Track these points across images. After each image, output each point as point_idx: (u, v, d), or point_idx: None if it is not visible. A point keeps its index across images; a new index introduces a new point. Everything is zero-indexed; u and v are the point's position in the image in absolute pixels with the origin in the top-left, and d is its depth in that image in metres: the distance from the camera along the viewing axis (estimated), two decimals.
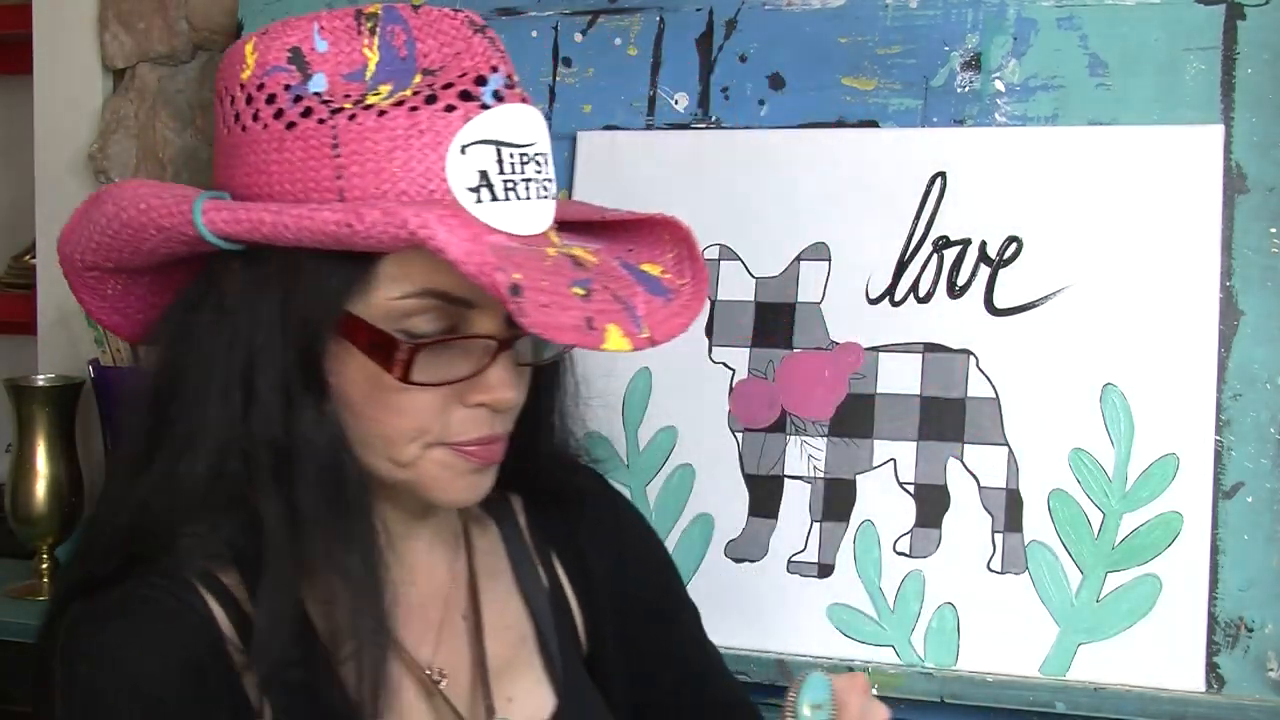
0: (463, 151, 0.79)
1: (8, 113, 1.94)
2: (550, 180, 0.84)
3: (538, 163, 0.82)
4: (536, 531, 1.00)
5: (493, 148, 0.80)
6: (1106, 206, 1.21)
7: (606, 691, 0.99)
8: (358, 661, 0.81)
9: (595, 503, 1.03)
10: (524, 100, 0.83)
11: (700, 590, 1.26)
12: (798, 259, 1.29)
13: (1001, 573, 1.20)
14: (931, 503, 1.22)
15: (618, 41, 1.39)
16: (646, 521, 1.08)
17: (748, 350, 1.29)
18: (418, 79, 0.82)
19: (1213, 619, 1.15)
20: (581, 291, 0.77)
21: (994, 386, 1.22)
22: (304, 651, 0.82)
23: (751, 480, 1.27)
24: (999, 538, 1.20)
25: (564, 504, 1.00)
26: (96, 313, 0.93)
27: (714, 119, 1.35)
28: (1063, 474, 1.19)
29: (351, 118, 0.80)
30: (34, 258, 1.76)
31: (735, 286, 1.30)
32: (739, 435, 1.28)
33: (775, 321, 1.29)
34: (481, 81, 0.81)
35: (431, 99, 0.80)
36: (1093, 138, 1.23)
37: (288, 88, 0.82)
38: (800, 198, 1.30)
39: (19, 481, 1.57)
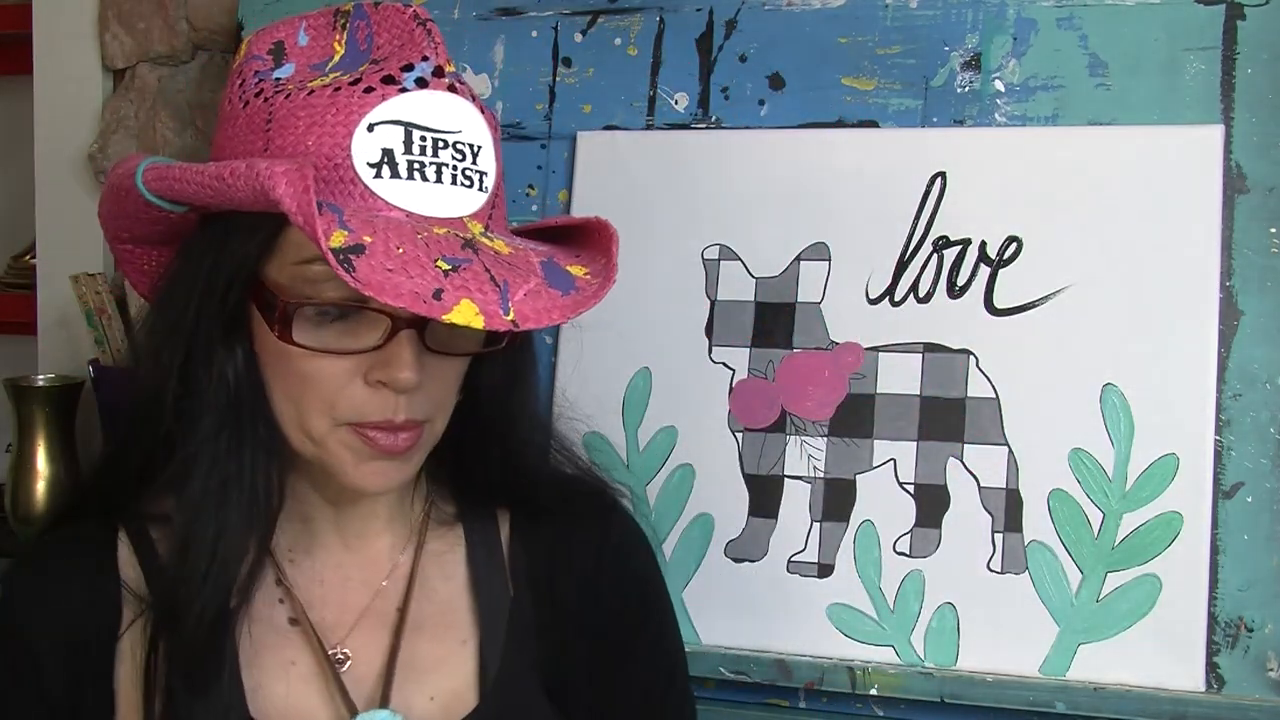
0: (370, 129, 0.83)
1: (8, 113, 1.94)
2: (480, 172, 0.87)
3: (460, 150, 0.85)
4: (518, 546, 1.01)
5: (402, 129, 0.84)
6: (1106, 206, 1.21)
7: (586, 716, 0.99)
8: (191, 606, 0.87)
9: (583, 519, 1.02)
10: (453, 90, 0.86)
11: (700, 590, 1.27)
12: (798, 259, 1.29)
13: (1001, 573, 1.20)
14: (931, 503, 1.22)
15: (618, 41, 1.39)
16: (650, 560, 1.06)
17: (748, 350, 1.29)
18: (364, 67, 0.87)
19: (1212, 619, 1.15)
20: (447, 266, 0.79)
21: (994, 386, 1.22)
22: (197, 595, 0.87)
23: (751, 480, 1.27)
24: (999, 538, 1.20)
25: (550, 518, 1.01)
26: (139, 286, 1.01)
27: (714, 119, 1.35)
28: (1063, 474, 1.19)
29: (287, 97, 0.86)
30: (34, 258, 1.76)
31: (735, 286, 1.30)
32: (739, 435, 1.28)
33: (775, 321, 1.29)
34: (408, 68, 0.85)
35: (356, 82, 0.85)
36: (1093, 138, 1.23)
37: (257, 74, 0.90)
38: (800, 198, 1.30)
39: (19, 481, 1.57)
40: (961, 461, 1.22)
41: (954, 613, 1.20)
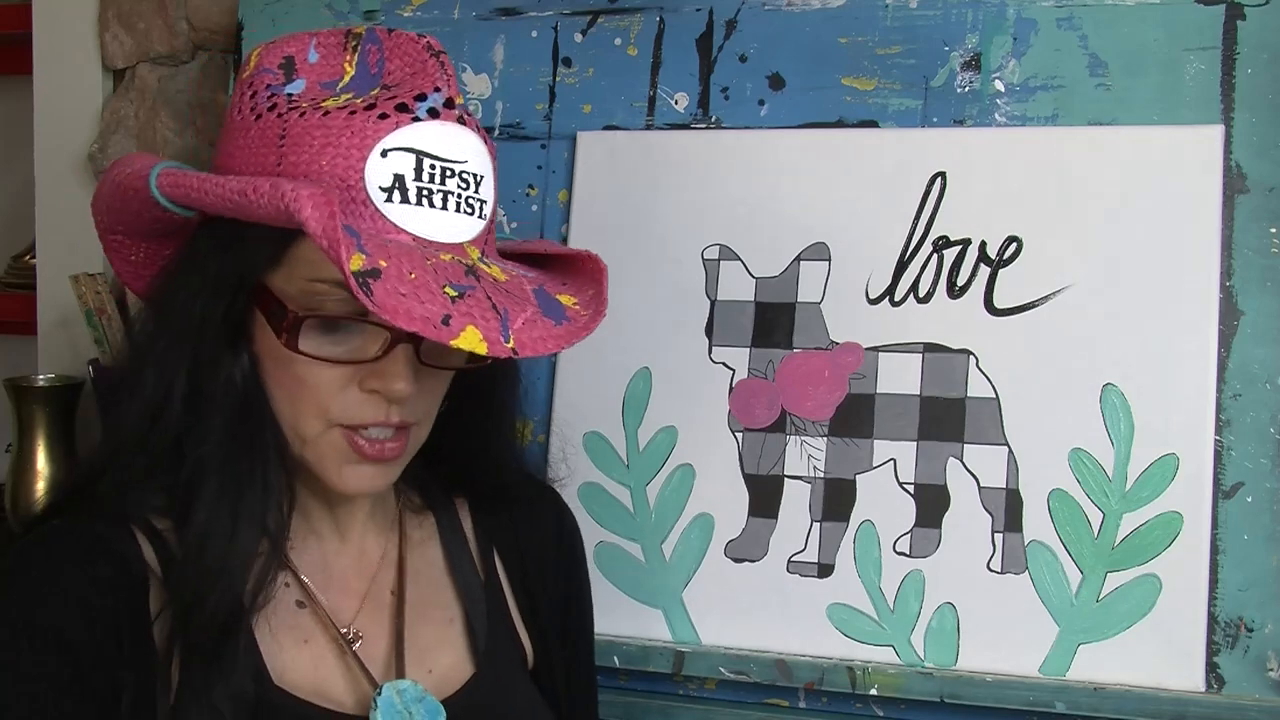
0: (384, 155, 0.87)
1: (8, 113, 1.94)
2: (481, 201, 0.92)
3: (465, 180, 0.90)
4: (482, 532, 1.10)
5: (413, 156, 0.88)
6: (1106, 206, 1.21)
7: (553, 693, 1.08)
8: (203, 601, 0.89)
9: (539, 509, 1.13)
10: (462, 122, 0.91)
11: (700, 590, 1.27)
12: (798, 259, 1.29)
13: (1001, 573, 1.20)
14: (931, 503, 1.22)
15: (618, 41, 1.39)
16: (582, 542, 1.17)
17: (748, 350, 1.29)
18: (375, 91, 0.92)
19: (1212, 619, 1.15)
20: (454, 293, 0.84)
21: (994, 386, 1.22)
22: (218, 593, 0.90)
23: (751, 480, 1.27)
24: (999, 538, 1.20)
25: (508, 508, 1.10)
26: (123, 275, 1.03)
27: (714, 119, 1.35)
28: (1063, 474, 1.19)
29: (301, 114, 0.90)
30: (34, 258, 1.76)
31: (735, 286, 1.30)
32: (739, 435, 1.28)
33: (775, 321, 1.29)
34: (421, 98, 0.90)
35: (371, 106, 0.89)
36: (1093, 138, 1.23)
37: (269, 87, 0.93)
38: (800, 198, 1.30)
39: (19, 481, 1.57)
40: (961, 461, 1.22)
41: (954, 613, 1.20)
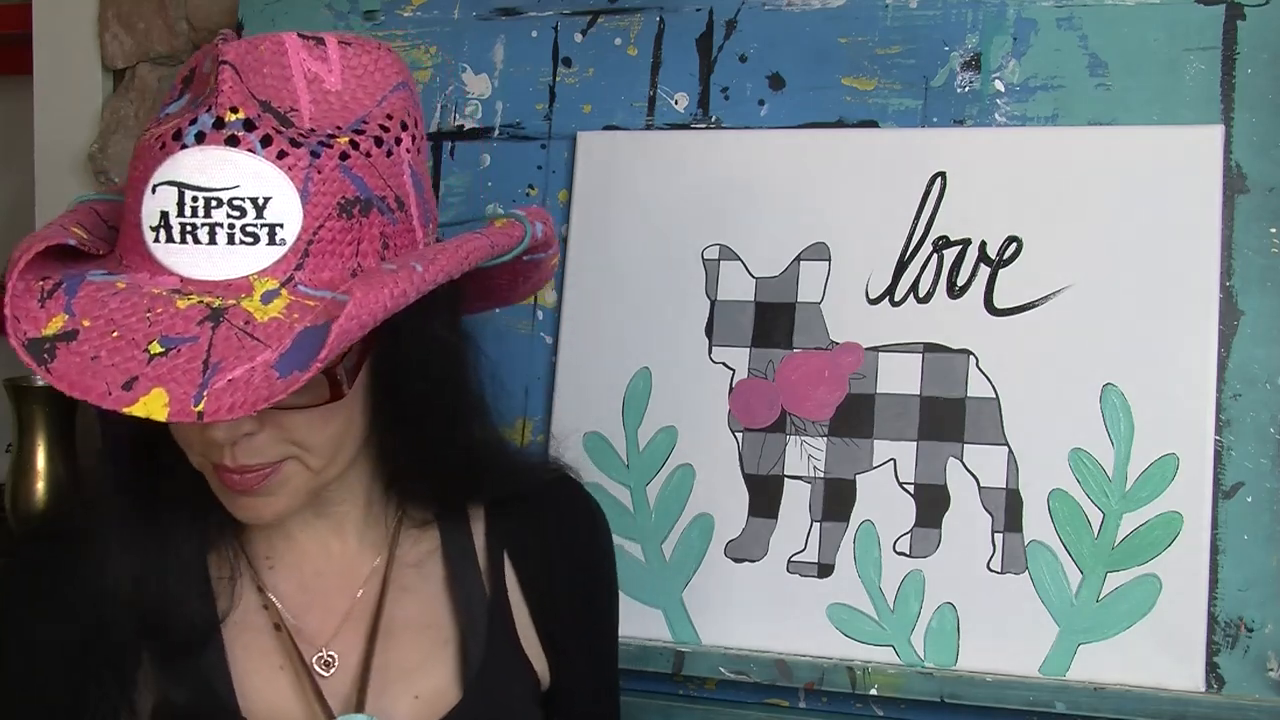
0: (153, 191, 0.82)
1: (8, 113, 1.94)
2: (271, 225, 0.82)
3: (238, 207, 0.81)
4: (494, 540, 1.03)
5: (175, 190, 0.82)
6: (1106, 206, 1.21)
7: (571, 715, 1.03)
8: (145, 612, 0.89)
9: (561, 505, 1.07)
10: (234, 143, 0.82)
11: (700, 590, 1.27)
12: (798, 259, 1.29)
13: (1001, 573, 1.20)
14: (931, 503, 1.22)
15: (618, 41, 1.39)
16: (609, 534, 1.11)
17: (748, 350, 1.29)
18: (183, 108, 0.87)
19: (1212, 619, 1.15)
20: (159, 349, 0.78)
21: (994, 386, 1.22)
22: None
23: (751, 480, 1.27)
24: (999, 538, 1.20)
25: (525, 516, 1.03)
26: None
27: (714, 119, 1.35)
28: (1063, 474, 1.19)
29: (138, 140, 0.86)
30: None
31: (735, 286, 1.30)
32: (739, 435, 1.28)
33: (775, 321, 1.29)
34: (193, 122, 0.83)
35: (159, 137, 0.83)
36: (1093, 138, 1.23)
37: (164, 105, 0.89)
38: (800, 198, 1.30)
39: (19, 481, 1.57)
40: (961, 461, 1.22)
41: (954, 613, 1.20)
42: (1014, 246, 1.24)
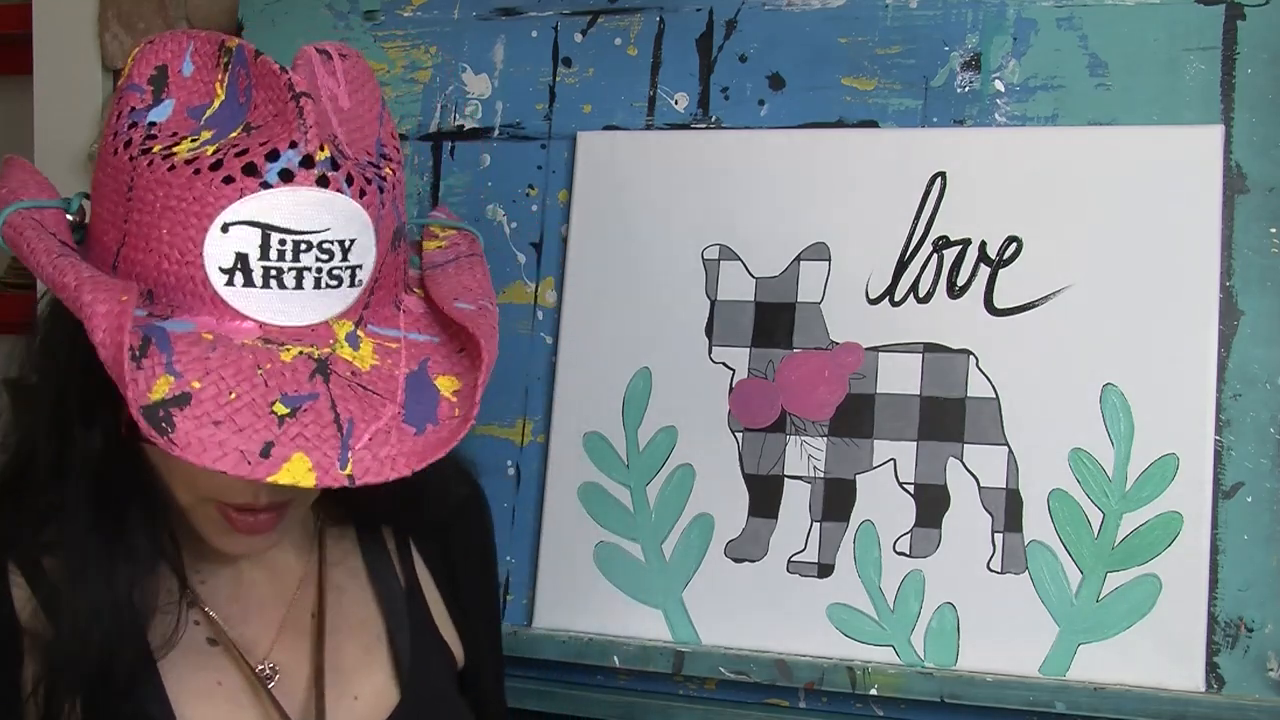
0: (224, 230, 0.76)
1: (8, 113, 1.93)
2: (353, 267, 0.79)
3: (326, 251, 0.77)
4: (397, 530, 1.01)
5: (259, 231, 0.76)
6: (1106, 206, 1.21)
7: (482, 690, 1.03)
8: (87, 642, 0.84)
9: (447, 486, 1.01)
10: (324, 183, 0.77)
11: (700, 590, 1.27)
12: (798, 259, 1.29)
13: (1001, 573, 1.20)
14: (931, 503, 1.22)
15: (618, 41, 1.39)
16: (490, 515, 1.10)
17: (748, 350, 1.29)
18: (237, 132, 0.80)
19: (1212, 619, 1.15)
20: (285, 410, 0.74)
21: (994, 386, 1.22)
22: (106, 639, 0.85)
23: (751, 480, 1.27)
24: (999, 538, 1.20)
25: (431, 503, 1.00)
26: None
27: (714, 119, 1.35)
28: (1063, 474, 1.19)
29: (150, 164, 0.79)
30: None
31: (735, 286, 1.30)
32: (739, 435, 1.28)
33: (775, 321, 1.29)
34: (273, 157, 0.77)
35: (217, 165, 0.77)
36: (1093, 138, 1.23)
37: (133, 110, 0.83)
38: (800, 198, 1.30)
39: None
40: (961, 461, 1.22)
41: (954, 613, 1.20)
42: (1014, 246, 1.24)
